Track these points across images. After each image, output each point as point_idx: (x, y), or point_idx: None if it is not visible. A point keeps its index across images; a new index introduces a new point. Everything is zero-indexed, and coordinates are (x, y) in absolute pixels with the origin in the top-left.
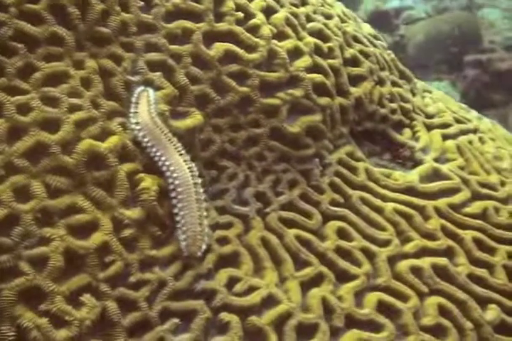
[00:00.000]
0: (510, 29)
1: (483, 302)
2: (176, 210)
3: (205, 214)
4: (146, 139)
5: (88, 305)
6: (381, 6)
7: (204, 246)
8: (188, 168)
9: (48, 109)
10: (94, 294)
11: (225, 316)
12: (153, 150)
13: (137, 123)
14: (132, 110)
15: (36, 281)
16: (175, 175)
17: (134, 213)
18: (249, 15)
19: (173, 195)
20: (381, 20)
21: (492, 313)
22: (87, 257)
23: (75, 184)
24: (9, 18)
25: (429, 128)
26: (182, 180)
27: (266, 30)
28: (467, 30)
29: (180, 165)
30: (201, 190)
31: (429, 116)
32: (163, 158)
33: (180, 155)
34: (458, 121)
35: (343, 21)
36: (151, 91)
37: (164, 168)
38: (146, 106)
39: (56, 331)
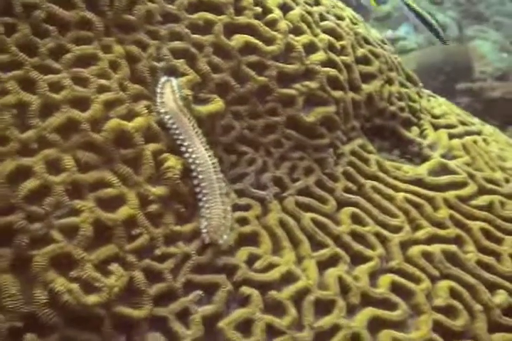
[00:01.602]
0: (500, 60)
1: (492, 287)
2: (199, 196)
3: (227, 200)
4: (174, 126)
5: (116, 273)
6: None
7: (226, 236)
8: (209, 156)
9: (79, 88)
10: (122, 264)
11: (246, 290)
12: (180, 137)
13: (166, 113)
14: (159, 100)
15: (67, 249)
16: (197, 161)
17: (158, 190)
18: (267, 11)
19: (195, 182)
20: None
21: (500, 297)
22: (115, 229)
23: (103, 160)
24: (42, 2)
25: (436, 127)
26: (204, 166)
27: (283, 24)
28: (459, 61)
29: (202, 153)
30: (221, 175)
31: (435, 117)
32: (186, 143)
33: (202, 143)
34: (462, 123)
35: (353, 23)
36: (174, 80)
37: (187, 154)
38: (171, 95)
39: (86, 296)
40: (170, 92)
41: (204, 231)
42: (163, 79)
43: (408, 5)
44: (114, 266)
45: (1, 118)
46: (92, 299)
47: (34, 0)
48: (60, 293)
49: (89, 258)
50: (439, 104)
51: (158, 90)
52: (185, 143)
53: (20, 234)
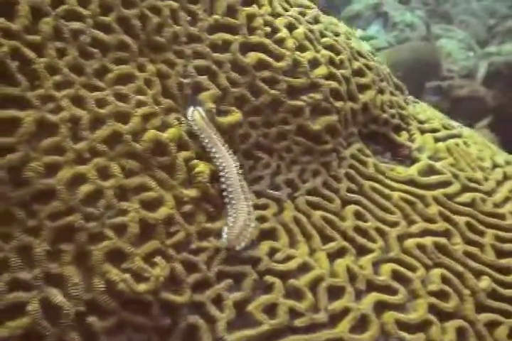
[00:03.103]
0: (466, 59)
1: (477, 274)
2: (226, 198)
3: (250, 202)
4: (204, 139)
5: (160, 265)
6: None
7: (243, 243)
8: (234, 161)
9: (120, 104)
10: (164, 257)
11: (269, 278)
12: (209, 146)
13: (198, 130)
14: (192, 124)
15: (118, 244)
16: (224, 165)
17: (191, 192)
18: (275, 30)
19: (223, 184)
20: None
21: (485, 283)
22: (157, 226)
23: (143, 167)
24: (87, 28)
25: (422, 132)
26: (230, 170)
27: (290, 42)
28: (428, 59)
29: (228, 159)
30: (244, 182)
31: (421, 122)
32: (213, 150)
33: (227, 151)
34: (445, 127)
35: (348, 39)
36: (199, 108)
37: (216, 161)
38: (200, 119)
39: (137, 284)
40: (199, 117)
41: (224, 236)
42: (191, 109)
43: None
44: (158, 259)
45: (59, 131)
46: (142, 287)
47: (80, 26)
48: (115, 282)
49: (137, 252)
50: (424, 110)
51: (190, 117)
52: (213, 150)
53: (80, 232)
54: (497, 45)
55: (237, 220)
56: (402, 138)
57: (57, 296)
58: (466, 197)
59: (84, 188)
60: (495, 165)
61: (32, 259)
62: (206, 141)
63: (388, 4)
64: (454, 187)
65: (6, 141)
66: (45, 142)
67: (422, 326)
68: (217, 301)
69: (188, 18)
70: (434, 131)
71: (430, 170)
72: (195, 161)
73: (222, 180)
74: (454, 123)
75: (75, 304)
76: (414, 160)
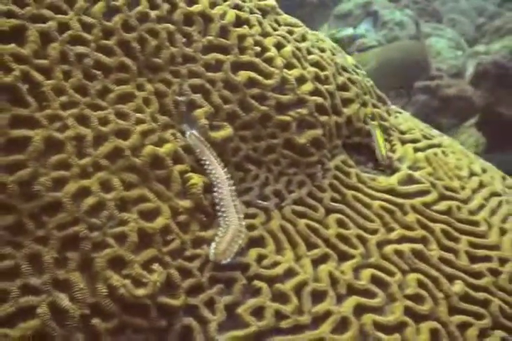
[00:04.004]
0: (455, 58)
1: (451, 279)
2: (218, 207)
3: (240, 212)
4: (199, 154)
5: (157, 271)
6: (335, 34)
7: (229, 259)
8: (227, 177)
9: (121, 122)
10: (161, 264)
11: (257, 283)
12: (203, 159)
13: (194, 145)
14: (190, 141)
15: (119, 252)
16: (217, 177)
17: (186, 203)
18: (264, 49)
19: (215, 195)
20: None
21: (458, 287)
22: (154, 235)
23: (142, 180)
24: (90, 51)
25: (403, 142)
26: (222, 182)
27: (278, 61)
28: (417, 58)
29: (221, 173)
30: (235, 193)
31: (402, 133)
32: (213, 172)
33: (220, 165)
34: (425, 137)
35: (333, 54)
36: (195, 131)
37: (210, 174)
38: (196, 139)
39: (137, 289)
40: (195, 138)
41: (212, 251)
42: (188, 132)
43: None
44: (155, 265)
45: (66, 148)
46: (141, 291)
47: (84, 50)
48: (116, 287)
49: (136, 259)
50: (405, 120)
51: (188, 139)
52: (207, 163)
53: (84, 241)
54: (485, 44)
55: (225, 235)
56: None
57: (64, 300)
58: (443, 205)
59: (89, 200)
60: (472, 174)
61: (41, 266)
62: (203, 158)
63: (378, 3)
64: (432, 196)
65: (18, 158)
66: (53, 159)
67: (398, 327)
68: (210, 304)
69: (184, 39)
70: (414, 141)
71: (409, 180)
72: (190, 174)
73: (215, 194)
74: (435, 133)
75: (80, 307)
76: (394, 170)
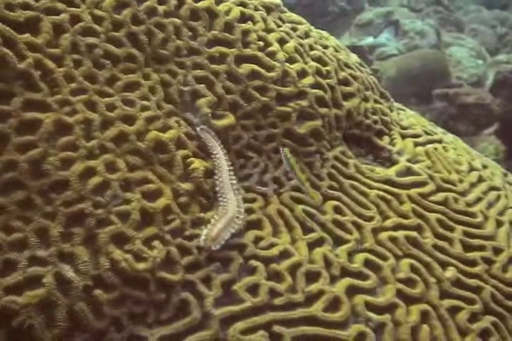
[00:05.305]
0: (476, 67)
1: (444, 265)
2: (217, 190)
3: (240, 195)
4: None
5: (158, 248)
6: (357, 42)
7: (219, 245)
8: (226, 160)
9: (127, 108)
10: (161, 241)
11: (253, 262)
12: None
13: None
14: (202, 136)
15: (122, 229)
16: (219, 163)
17: (187, 186)
18: (267, 44)
19: (216, 179)
20: (357, 55)
21: (450, 273)
22: (156, 215)
23: (146, 163)
24: (100, 42)
25: (404, 137)
26: (223, 167)
27: (280, 55)
28: (436, 67)
29: (222, 158)
30: (234, 178)
31: (403, 128)
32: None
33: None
34: (426, 132)
35: (336, 51)
36: (205, 127)
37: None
38: (207, 134)
39: (137, 263)
40: (206, 132)
41: (203, 237)
42: (199, 127)
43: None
44: (156, 243)
45: (74, 131)
46: (141, 266)
47: (94, 41)
48: (118, 261)
49: (138, 236)
50: (407, 117)
51: (199, 133)
52: (213, 152)
53: (89, 217)
54: (507, 54)
55: (218, 222)
56: (384, 142)
57: (68, 271)
58: (440, 196)
59: (94, 180)
60: (472, 169)
61: (48, 239)
62: (214, 152)
63: (400, 12)
64: (429, 187)
65: (29, 138)
66: (62, 140)
67: (389, 308)
68: (207, 281)
69: (190, 33)
70: (415, 136)
71: (407, 172)
72: (192, 159)
73: (216, 173)
74: (438, 130)
75: (83, 279)
76: (393, 162)
